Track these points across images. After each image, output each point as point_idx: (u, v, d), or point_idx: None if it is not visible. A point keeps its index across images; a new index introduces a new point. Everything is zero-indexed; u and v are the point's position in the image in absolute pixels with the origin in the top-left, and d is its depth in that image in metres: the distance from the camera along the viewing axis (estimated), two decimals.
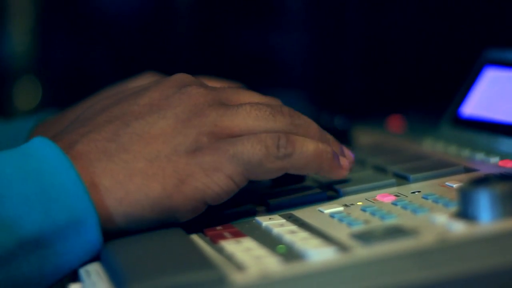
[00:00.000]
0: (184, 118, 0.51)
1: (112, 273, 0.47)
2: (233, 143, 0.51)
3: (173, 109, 0.52)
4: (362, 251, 0.44)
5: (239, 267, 0.44)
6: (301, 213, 0.54)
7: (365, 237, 0.45)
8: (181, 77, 0.55)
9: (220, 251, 0.47)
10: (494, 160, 0.61)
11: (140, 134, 0.51)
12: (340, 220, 0.50)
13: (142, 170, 0.50)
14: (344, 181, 0.58)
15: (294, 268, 0.43)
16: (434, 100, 0.85)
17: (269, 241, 0.48)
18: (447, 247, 0.43)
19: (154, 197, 0.50)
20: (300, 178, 0.60)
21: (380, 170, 0.63)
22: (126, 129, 0.51)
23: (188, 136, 0.51)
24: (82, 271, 0.49)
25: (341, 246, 0.45)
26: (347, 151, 0.58)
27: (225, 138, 0.51)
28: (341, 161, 0.56)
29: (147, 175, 0.50)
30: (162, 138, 0.51)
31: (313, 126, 0.55)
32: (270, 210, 0.55)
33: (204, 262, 0.44)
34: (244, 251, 0.46)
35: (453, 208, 0.49)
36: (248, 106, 0.53)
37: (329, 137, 0.56)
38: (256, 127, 0.52)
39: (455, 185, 0.55)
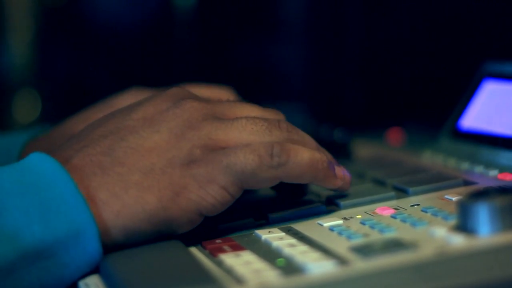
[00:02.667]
0: (178, 132, 0.51)
1: (112, 286, 0.47)
2: (226, 154, 0.51)
3: (167, 123, 0.52)
4: (361, 265, 0.44)
5: (239, 280, 0.44)
6: (301, 226, 0.54)
7: (364, 251, 0.45)
8: (176, 91, 0.55)
9: (220, 264, 0.47)
10: (493, 173, 0.61)
11: (135, 147, 0.51)
12: (340, 233, 0.50)
13: (137, 182, 0.50)
14: (343, 195, 0.58)
15: (294, 281, 0.43)
16: (434, 112, 0.85)
17: (269, 254, 0.48)
18: (446, 260, 0.43)
19: (150, 210, 0.49)
20: (302, 190, 0.60)
21: (380, 183, 0.63)
22: (121, 143, 0.51)
23: (182, 149, 0.51)
24: (82, 284, 0.49)
25: (340, 260, 0.45)
26: (342, 169, 0.56)
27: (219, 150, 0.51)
28: (337, 171, 0.55)
29: (142, 187, 0.50)
30: (156, 151, 0.51)
31: (311, 143, 0.55)
32: (270, 223, 0.55)
33: (204, 276, 0.44)
34: (244, 265, 0.46)
35: (452, 221, 0.49)
36: (243, 120, 0.53)
37: (327, 153, 0.56)
38: (251, 141, 0.52)
39: (454, 198, 0.55)
